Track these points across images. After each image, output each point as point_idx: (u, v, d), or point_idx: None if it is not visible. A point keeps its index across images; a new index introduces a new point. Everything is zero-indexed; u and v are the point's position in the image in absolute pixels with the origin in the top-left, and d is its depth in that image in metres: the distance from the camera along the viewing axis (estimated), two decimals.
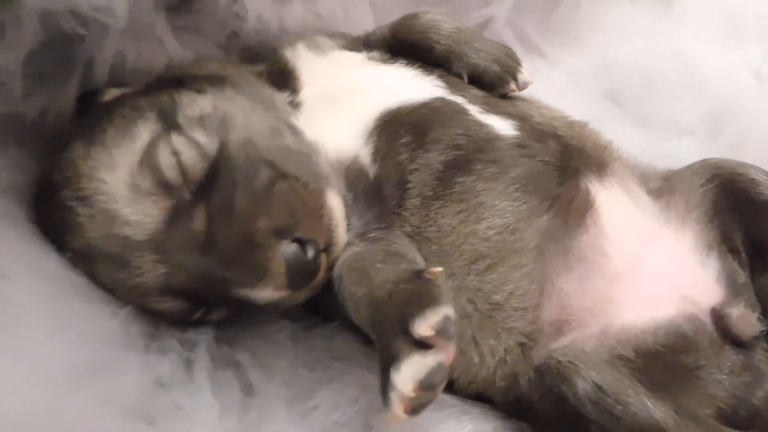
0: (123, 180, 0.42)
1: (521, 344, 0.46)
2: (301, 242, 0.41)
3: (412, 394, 0.32)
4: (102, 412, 0.35)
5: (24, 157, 0.46)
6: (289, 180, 0.43)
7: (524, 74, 0.58)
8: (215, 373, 0.44)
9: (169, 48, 0.57)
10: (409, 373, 0.33)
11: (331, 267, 0.45)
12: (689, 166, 0.56)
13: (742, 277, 0.50)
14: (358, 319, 0.41)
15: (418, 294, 0.36)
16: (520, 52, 0.88)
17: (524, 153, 0.51)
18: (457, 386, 0.48)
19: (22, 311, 0.38)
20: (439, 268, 0.38)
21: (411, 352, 0.33)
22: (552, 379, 0.43)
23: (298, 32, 0.63)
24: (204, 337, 0.46)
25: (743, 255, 0.51)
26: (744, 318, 0.47)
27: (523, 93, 0.60)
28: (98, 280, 0.43)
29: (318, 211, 0.43)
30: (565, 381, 0.43)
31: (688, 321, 0.47)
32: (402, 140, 0.50)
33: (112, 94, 0.50)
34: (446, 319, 0.34)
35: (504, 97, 0.57)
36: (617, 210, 0.50)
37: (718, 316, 0.48)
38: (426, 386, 0.33)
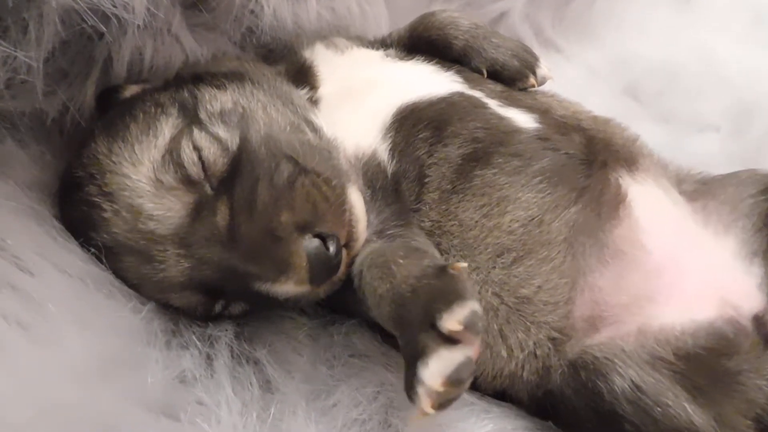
0: (146, 175, 0.42)
1: (552, 339, 0.45)
2: (323, 237, 0.41)
3: (440, 389, 0.33)
4: (129, 407, 0.36)
5: (46, 154, 0.47)
6: (310, 175, 0.43)
7: (543, 69, 0.58)
8: (235, 370, 0.44)
9: (186, 45, 0.57)
10: (437, 368, 0.33)
11: (351, 263, 0.45)
12: (733, 175, 0.55)
13: None
14: (380, 315, 0.41)
15: (444, 289, 0.36)
16: (535, 47, 0.89)
17: (547, 146, 0.50)
18: (480, 381, 0.47)
19: (48, 307, 0.38)
20: (463, 264, 0.38)
21: (438, 347, 0.33)
22: (588, 374, 0.43)
23: (314, 29, 0.63)
24: (224, 334, 0.46)
25: None
26: None
27: (542, 89, 0.59)
28: (122, 275, 0.43)
29: (340, 206, 0.43)
30: (602, 377, 0.42)
31: (728, 324, 0.45)
32: (420, 135, 0.50)
33: (131, 90, 0.51)
34: (474, 313, 0.34)
35: (523, 91, 0.57)
36: (652, 204, 0.49)
37: (760, 322, 0.46)
38: (454, 381, 0.33)
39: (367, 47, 0.60)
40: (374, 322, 0.46)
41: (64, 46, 0.47)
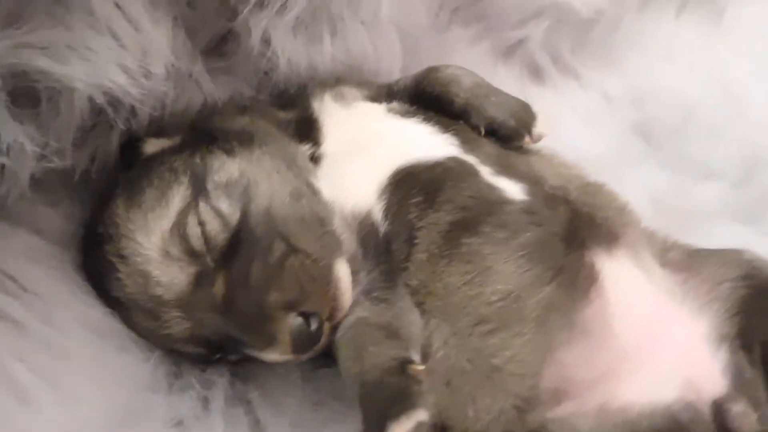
0: (156, 245, 0.47)
1: (517, 407, 0.48)
2: (306, 315, 0.46)
3: None
4: None
5: (73, 206, 0.52)
6: (299, 255, 0.48)
7: (539, 127, 0.59)
8: (228, 411, 0.50)
9: (205, 89, 0.60)
10: None
11: (335, 327, 0.50)
12: (720, 253, 0.55)
13: (749, 373, 0.50)
14: (350, 389, 0.46)
15: (397, 394, 0.40)
16: (553, 74, 0.90)
17: (532, 220, 0.52)
18: None
19: (68, 359, 0.44)
20: (422, 366, 0.42)
21: None
22: None
23: (329, 70, 0.66)
24: (221, 377, 0.52)
25: (756, 355, 0.50)
26: (744, 416, 0.48)
27: (543, 147, 0.61)
28: (133, 327, 0.50)
29: (325, 285, 0.48)
30: None
31: (686, 409, 0.48)
32: (413, 200, 0.53)
33: (152, 145, 0.55)
34: (418, 425, 0.38)
35: (521, 150, 0.59)
36: (626, 284, 0.51)
37: (718, 409, 0.48)
38: None
39: (373, 100, 0.62)
40: None
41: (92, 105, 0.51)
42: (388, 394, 0.41)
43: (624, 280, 0.52)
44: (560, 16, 0.85)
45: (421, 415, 0.39)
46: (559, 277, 0.50)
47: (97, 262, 0.50)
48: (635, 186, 0.75)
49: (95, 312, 0.48)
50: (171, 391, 0.49)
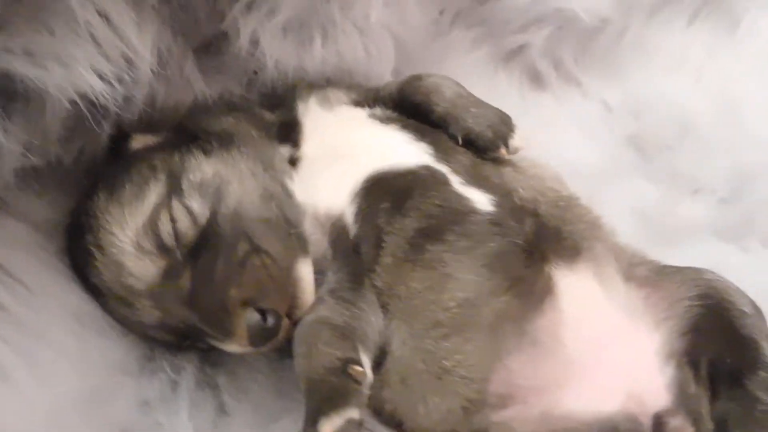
0: (130, 238, 0.51)
1: (464, 408, 0.50)
2: (264, 311, 0.49)
3: None
4: None
5: (60, 196, 0.55)
6: (261, 255, 0.51)
7: (516, 140, 0.60)
8: (195, 394, 0.54)
9: (196, 87, 0.63)
10: None
11: (296, 323, 0.52)
12: (682, 271, 0.56)
13: (693, 389, 0.51)
14: (299, 384, 0.48)
15: (336, 391, 0.43)
16: (553, 81, 0.90)
17: (497, 231, 0.54)
18: (404, 429, 0.53)
19: (47, 341, 0.48)
20: (361, 368, 0.44)
21: None
22: None
23: (319, 72, 0.68)
24: (191, 363, 0.55)
25: (702, 372, 0.51)
26: (680, 430, 0.49)
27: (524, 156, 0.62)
28: (109, 313, 0.53)
29: (283, 284, 0.51)
30: None
31: (627, 420, 0.49)
32: (382, 205, 0.55)
33: (138, 141, 0.58)
34: (348, 422, 0.41)
35: (497, 161, 0.60)
36: (581, 298, 0.53)
37: (658, 422, 0.49)
38: None
39: (357, 105, 0.64)
40: None
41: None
42: (327, 392, 0.43)
43: (580, 294, 0.53)
44: (563, 23, 0.85)
45: (352, 413, 0.41)
46: (515, 288, 0.52)
47: (78, 251, 0.53)
48: (623, 198, 0.76)
49: (75, 298, 0.52)
50: (141, 373, 0.53)
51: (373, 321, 0.53)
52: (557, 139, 0.80)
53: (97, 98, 0.46)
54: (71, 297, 0.51)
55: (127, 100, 0.52)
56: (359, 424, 0.41)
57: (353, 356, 0.47)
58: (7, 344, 0.46)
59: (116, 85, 0.46)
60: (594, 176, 0.77)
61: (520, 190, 0.57)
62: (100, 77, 0.45)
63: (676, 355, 0.52)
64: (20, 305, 0.47)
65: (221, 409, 0.54)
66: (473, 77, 0.69)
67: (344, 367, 0.45)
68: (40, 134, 0.47)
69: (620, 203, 0.74)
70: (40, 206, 0.53)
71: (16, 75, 0.43)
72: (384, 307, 0.54)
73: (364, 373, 0.44)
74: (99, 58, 0.45)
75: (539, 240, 0.54)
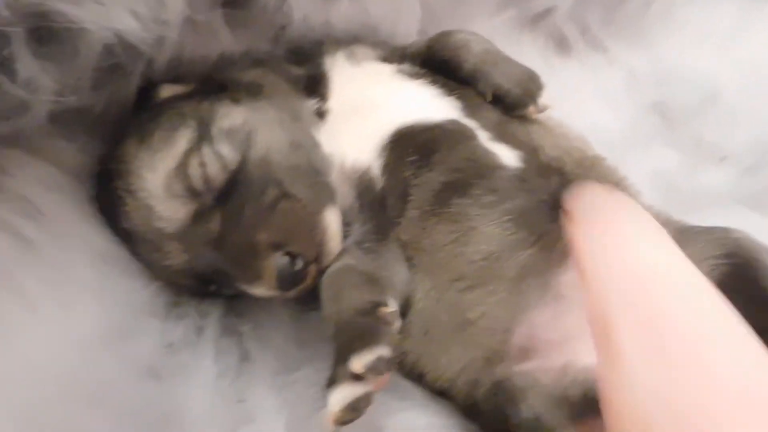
0: (160, 182, 0.51)
1: (486, 358, 0.51)
2: (293, 255, 0.49)
3: (339, 414, 0.41)
4: (117, 369, 0.46)
5: (90, 142, 0.56)
6: (291, 200, 0.51)
7: (544, 98, 0.60)
8: (220, 340, 0.55)
9: (223, 41, 0.63)
10: (340, 396, 0.41)
11: (323, 272, 0.53)
12: (708, 231, 0.55)
13: None
14: (327, 328, 0.49)
15: (365, 331, 0.43)
16: (580, 46, 0.89)
17: (523, 186, 0.54)
18: (426, 380, 0.55)
19: (73, 276, 0.49)
20: (390, 309, 0.45)
21: (345, 381, 0.41)
22: (502, 398, 0.50)
23: (345, 29, 0.68)
24: (216, 309, 0.56)
25: None
26: None
27: (550, 116, 0.62)
28: (137, 257, 0.54)
29: (312, 230, 0.51)
30: (512, 404, 0.49)
31: None
32: (410, 158, 0.55)
33: (167, 90, 0.58)
34: (378, 359, 0.41)
35: (524, 119, 0.60)
36: None
37: None
38: (352, 409, 0.41)
39: (384, 61, 0.64)
40: None
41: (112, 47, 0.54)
42: (357, 332, 0.44)
43: None
44: None
45: (382, 351, 0.42)
46: (540, 242, 0.52)
47: (107, 196, 0.54)
48: (646, 164, 0.76)
49: (103, 240, 0.52)
50: (168, 317, 0.53)
51: (399, 271, 0.53)
52: (581, 105, 0.80)
53: (130, 39, 0.46)
54: (99, 239, 0.52)
55: (159, 44, 0.52)
56: (389, 361, 0.42)
57: (382, 299, 0.47)
58: (35, 277, 0.47)
59: (152, 25, 0.46)
60: (617, 142, 0.77)
61: (547, 148, 0.58)
62: (135, 17, 0.45)
63: None
64: (48, 240, 0.48)
65: (245, 356, 0.55)
66: (497, 40, 0.68)
67: (373, 309, 0.45)
68: (74, 76, 0.47)
69: (643, 169, 0.74)
70: (70, 151, 0.54)
71: (52, 13, 0.43)
72: (409, 260, 0.54)
73: (393, 314, 0.45)
74: None
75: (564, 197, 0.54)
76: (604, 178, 0.58)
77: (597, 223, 0.35)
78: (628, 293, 0.29)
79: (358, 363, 0.41)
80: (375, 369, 0.41)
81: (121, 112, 0.58)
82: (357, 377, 0.41)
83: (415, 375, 0.54)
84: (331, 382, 0.42)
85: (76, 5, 0.43)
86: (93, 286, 0.49)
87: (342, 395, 0.41)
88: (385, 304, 0.46)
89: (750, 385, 0.24)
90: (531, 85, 0.60)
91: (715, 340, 0.26)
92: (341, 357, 0.43)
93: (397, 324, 0.46)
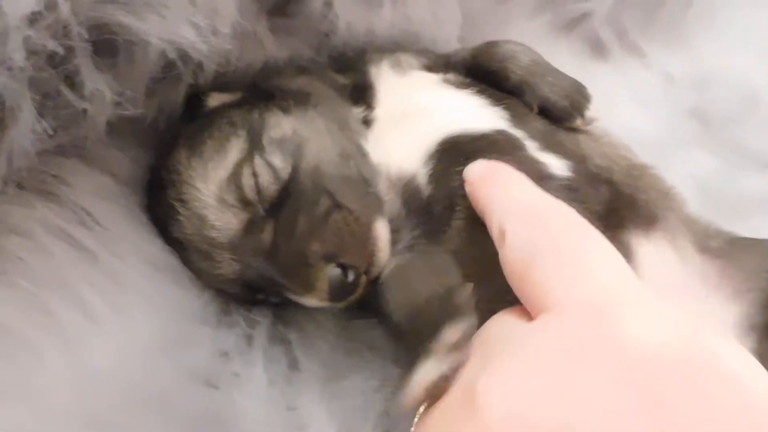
0: (213, 192, 0.52)
1: None
2: (344, 267, 0.50)
3: (431, 384, 0.38)
4: (175, 377, 0.47)
5: (141, 152, 0.56)
6: (343, 211, 0.51)
7: (592, 111, 0.60)
8: (269, 349, 0.55)
9: (268, 49, 0.63)
10: (431, 366, 0.39)
11: (372, 282, 0.53)
12: (762, 242, 0.56)
13: None
14: (395, 321, 0.47)
15: (447, 310, 0.41)
16: (616, 51, 0.88)
17: (573, 197, 0.53)
18: None
19: (129, 285, 0.50)
20: (470, 284, 0.44)
21: (436, 352, 0.39)
22: None
23: (387, 36, 0.68)
24: (265, 318, 0.56)
25: None
26: None
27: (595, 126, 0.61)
28: (188, 265, 0.54)
29: (364, 241, 0.51)
30: None
31: None
32: (457, 168, 0.54)
33: (215, 99, 0.59)
34: (471, 326, 0.40)
35: (571, 130, 0.60)
36: (659, 267, 0.52)
37: None
38: (444, 379, 0.38)
39: (429, 70, 0.64)
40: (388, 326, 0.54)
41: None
42: (438, 312, 0.42)
43: (658, 264, 0.52)
44: None
45: (472, 320, 0.40)
46: None
47: (159, 205, 0.55)
48: (684, 170, 0.75)
49: (155, 249, 0.53)
50: (219, 325, 0.54)
51: (454, 265, 0.52)
52: (617, 111, 0.79)
53: (187, 49, 0.47)
54: (151, 248, 0.53)
55: (211, 53, 0.52)
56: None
57: (456, 283, 0.45)
58: (94, 288, 0.47)
59: (208, 35, 0.47)
60: (655, 148, 0.75)
61: (595, 158, 0.57)
62: (194, 28, 0.46)
63: (756, 328, 0.51)
64: (105, 251, 0.49)
65: (293, 365, 0.55)
66: (533, 45, 0.67)
67: (449, 292, 0.43)
68: (131, 86, 0.47)
69: (682, 176, 0.73)
70: (123, 161, 0.55)
71: (115, 26, 0.43)
72: (460, 252, 0.52)
73: (471, 289, 0.43)
74: (191, 8, 0.45)
75: (615, 207, 0.54)
76: (652, 187, 0.58)
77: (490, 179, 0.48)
78: (514, 210, 0.44)
79: (453, 332, 0.39)
80: (463, 344, 0.39)
81: (170, 121, 0.58)
82: (447, 349, 0.39)
83: None
84: (418, 359, 0.39)
85: (138, 18, 0.43)
86: (149, 294, 0.49)
87: (434, 365, 0.39)
88: (460, 286, 0.44)
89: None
90: (578, 98, 0.60)
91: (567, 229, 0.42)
92: (423, 337, 0.40)
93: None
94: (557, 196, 0.53)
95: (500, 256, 0.44)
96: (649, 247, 0.53)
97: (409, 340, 0.45)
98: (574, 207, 0.52)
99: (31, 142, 0.41)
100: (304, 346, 0.56)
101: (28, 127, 0.41)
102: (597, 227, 0.51)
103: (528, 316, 0.39)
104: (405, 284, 0.49)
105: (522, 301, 0.41)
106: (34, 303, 0.45)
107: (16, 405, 0.41)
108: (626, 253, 0.52)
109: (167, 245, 0.54)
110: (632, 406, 0.30)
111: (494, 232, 0.46)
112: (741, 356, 0.34)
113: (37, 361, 0.43)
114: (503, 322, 0.41)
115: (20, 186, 0.47)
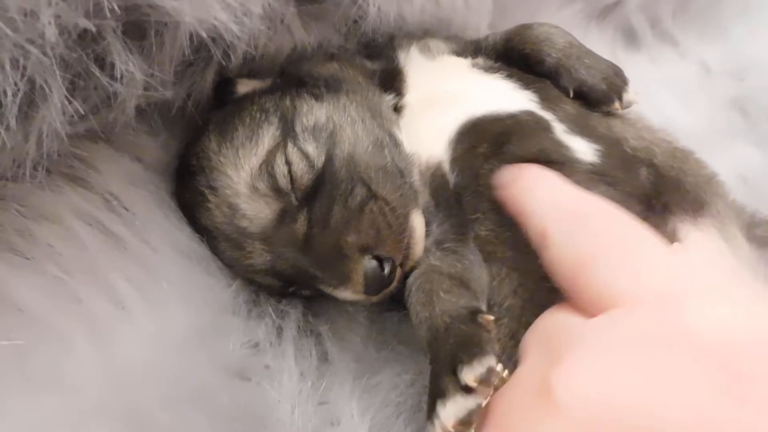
0: (245, 180, 0.50)
1: None
2: (380, 259, 0.48)
3: (450, 429, 0.39)
4: (210, 370, 0.46)
5: (171, 137, 0.55)
6: (379, 202, 0.49)
7: (630, 94, 0.58)
8: (299, 341, 0.53)
9: (296, 35, 0.61)
10: (452, 410, 0.39)
11: (406, 275, 0.51)
12: None
13: None
14: (418, 332, 0.48)
15: (470, 340, 0.42)
16: (649, 39, 0.86)
17: (602, 179, 0.51)
18: None
19: (160, 274, 0.48)
20: (491, 317, 0.43)
21: (456, 393, 0.40)
22: None
23: (417, 22, 0.66)
24: (295, 309, 0.55)
25: None
26: None
27: (630, 112, 0.59)
28: (218, 254, 0.53)
29: (400, 233, 0.50)
30: None
31: None
32: (480, 149, 0.53)
33: (245, 85, 0.57)
34: (489, 370, 0.40)
35: (607, 114, 0.57)
36: (710, 255, 0.50)
37: None
38: (464, 422, 0.39)
39: (459, 54, 0.62)
40: None
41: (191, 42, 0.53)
42: (459, 340, 0.42)
43: (708, 251, 0.50)
44: None
45: (490, 361, 0.40)
46: None
47: (188, 192, 0.53)
48: (726, 164, 0.71)
49: (185, 237, 0.51)
50: (249, 316, 0.52)
51: (481, 275, 0.51)
52: (652, 101, 0.76)
53: (220, 31, 0.45)
54: (181, 236, 0.51)
55: (242, 36, 0.50)
56: (498, 373, 0.40)
57: (478, 305, 0.46)
58: (123, 275, 0.46)
59: (240, 15, 0.45)
60: (694, 140, 0.73)
61: (631, 140, 0.55)
62: (226, 9, 0.44)
63: None
64: (135, 238, 0.48)
65: (324, 357, 0.54)
66: None
67: (472, 316, 0.44)
68: (161, 69, 0.46)
69: (723, 169, 0.70)
70: (152, 147, 0.53)
71: (145, 5, 0.42)
72: (490, 255, 0.51)
73: (493, 322, 0.43)
74: None
75: (659, 191, 0.52)
76: (697, 171, 0.55)
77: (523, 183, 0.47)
78: (554, 213, 0.44)
79: (470, 375, 0.39)
80: (486, 381, 0.39)
81: (199, 106, 0.57)
82: (468, 389, 0.40)
83: None
84: (440, 394, 0.40)
85: None
86: (180, 284, 0.48)
87: (454, 409, 0.39)
88: (483, 311, 0.45)
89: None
90: (616, 80, 0.57)
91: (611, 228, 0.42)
92: (446, 367, 0.41)
93: (495, 331, 0.44)
94: (580, 181, 0.51)
95: (544, 259, 0.44)
96: (698, 234, 0.51)
97: (430, 357, 0.45)
98: (602, 191, 0.50)
99: (61, 124, 0.40)
100: (334, 338, 0.55)
101: (58, 108, 0.40)
102: (637, 212, 0.50)
103: (583, 312, 0.40)
104: (428, 299, 0.48)
105: (575, 299, 0.41)
106: (63, 290, 0.44)
107: (46, 395, 0.40)
108: (673, 240, 0.49)
109: (196, 233, 0.53)
110: (712, 386, 0.32)
111: (533, 235, 0.45)
112: None
113: (66, 350, 0.42)
114: (559, 320, 0.41)
115: (48, 171, 0.46)
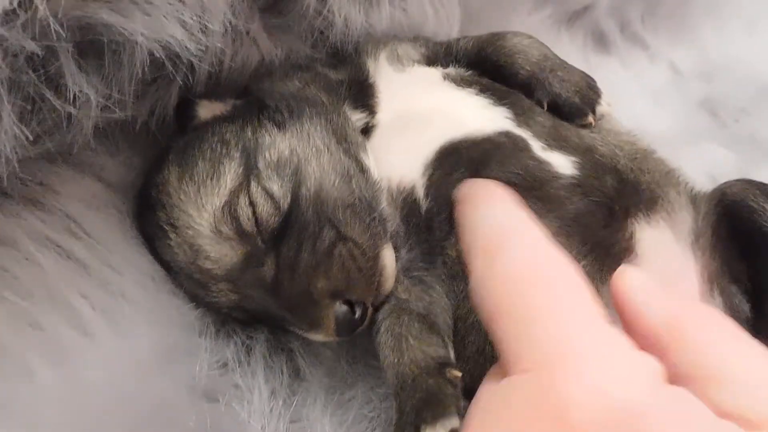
0: (208, 221, 0.48)
1: None
2: (351, 303, 0.47)
3: None
4: (175, 391, 0.45)
5: (132, 156, 0.54)
6: (348, 244, 0.48)
7: (603, 106, 0.58)
8: (270, 358, 0.53)
9: (263, 47, 0.61)
10: None
11: (376, 309, 0.51)
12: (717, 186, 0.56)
13: (747, 311, 0.51)
14: (384, 373, 0.48)
15: (435, 398, 0.42)
16: (619, 43, 0.86)
17: (578, 191, 0.52)
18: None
19: (124, 298, 0.47)
20: (458, 373, 0.43)
21: None
22: None
23: (386, 30, 0.65)
24: (263, 328, 0.54)
25: (748, 284, 0.51)
26: None
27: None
28: (181, 287, 0.51)
29: (371, 275, 0.49)
30: None
31: None
32: (455, 175, 0.52)
33: (205, 108, 0.55)
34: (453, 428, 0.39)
35: (582, 126, 0.57)
36: (658, 251, 0.51)
37: None
38: None
39: (429, 62, 0.61)
40: None
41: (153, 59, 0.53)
42: (425, 396, 0.42)
43: (657, 247, 0.51)
44: None
45: (455, 423, 0.40)
46: (595, 251, 0.50)
47: (150, 226, 0.51)
48: (697, 165, 0.72)
49: (148, 260, 0.51)
50: (218, 336, 0.52)
51: (446, 305, 0.51)
52: (623, 104, 0.76)
53: (176, 50, 0.44)
54: (144, 258, 0.51)
55: (202, 53, 0.50)
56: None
57: (448, 358, 0.46)
58: (87, 300, 0.46)
59: (198, 34, 0.44)
60: (665, 142, 0.74)
61: (599, 147, 0.55)
62: (183, 27, 0.44)
63: (714, 277, 0.52)
64: (97, 261, 0.47)
65: (296, 374, 0.53)
66: None
67: (440, 369, 0.44)
68: (119, 88, 0.45)
69: (695, 170, 0.71)
70: (114, 166, 0.53)
71: (100, 26, 0.41)
72: (457, 274, 0.51)
73: (460, 378, 0.43)
74: (178, 5, 0.43)
75: (620, 195, 0.52)
76: (655, 168, 0.56)
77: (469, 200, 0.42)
78: (478, 239, 0.38)
79: None
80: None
81: (162, 123, 0.56)
82: None
83: (467, 395, 0.52)
84: None
85: (124, 17, 0.41)
86: (144, 306, 0.47)
87: None
88: (452, 364, 0.45)
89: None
90: (590, 93, 0.58)
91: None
92: (411, 425, 0.41)
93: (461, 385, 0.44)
94: (563, 195, 0.51)
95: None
96: (650, 233, 0.52)
97: (396, 405, 0.45)
98: (581, 203, 0.50)
99: (11, 149, 0.39)
100: (306, 354, 0.54)
101: (9, 133, 0.39)
102: (604, 222, 0.51)
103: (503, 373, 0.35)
104: (398, 344, 0.47)
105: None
106: (21, 316, 0.43)
107: (4, 421, 0.39)
108: (629, 245, 0.51)
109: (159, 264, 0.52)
110: None
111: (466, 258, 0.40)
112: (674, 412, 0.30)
113: (25, 375, 0.41)
114: (485, 382, 0.37)
115: (5, 194, 0.45)
